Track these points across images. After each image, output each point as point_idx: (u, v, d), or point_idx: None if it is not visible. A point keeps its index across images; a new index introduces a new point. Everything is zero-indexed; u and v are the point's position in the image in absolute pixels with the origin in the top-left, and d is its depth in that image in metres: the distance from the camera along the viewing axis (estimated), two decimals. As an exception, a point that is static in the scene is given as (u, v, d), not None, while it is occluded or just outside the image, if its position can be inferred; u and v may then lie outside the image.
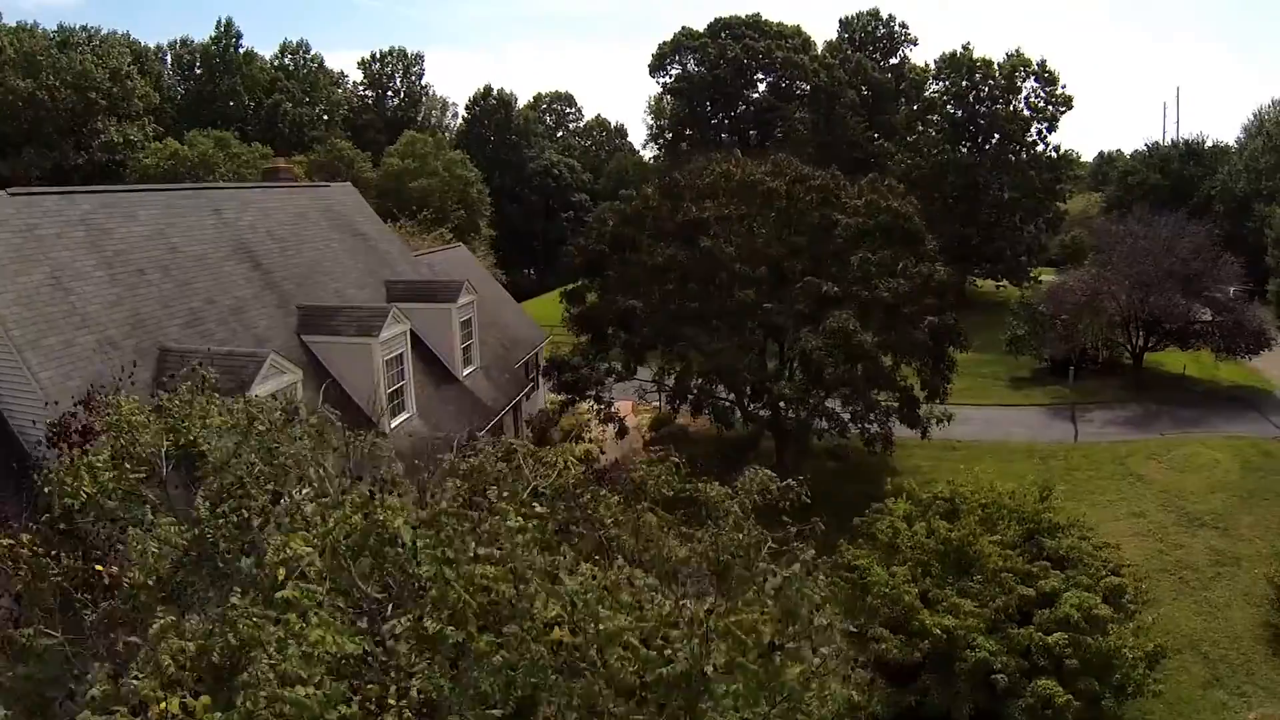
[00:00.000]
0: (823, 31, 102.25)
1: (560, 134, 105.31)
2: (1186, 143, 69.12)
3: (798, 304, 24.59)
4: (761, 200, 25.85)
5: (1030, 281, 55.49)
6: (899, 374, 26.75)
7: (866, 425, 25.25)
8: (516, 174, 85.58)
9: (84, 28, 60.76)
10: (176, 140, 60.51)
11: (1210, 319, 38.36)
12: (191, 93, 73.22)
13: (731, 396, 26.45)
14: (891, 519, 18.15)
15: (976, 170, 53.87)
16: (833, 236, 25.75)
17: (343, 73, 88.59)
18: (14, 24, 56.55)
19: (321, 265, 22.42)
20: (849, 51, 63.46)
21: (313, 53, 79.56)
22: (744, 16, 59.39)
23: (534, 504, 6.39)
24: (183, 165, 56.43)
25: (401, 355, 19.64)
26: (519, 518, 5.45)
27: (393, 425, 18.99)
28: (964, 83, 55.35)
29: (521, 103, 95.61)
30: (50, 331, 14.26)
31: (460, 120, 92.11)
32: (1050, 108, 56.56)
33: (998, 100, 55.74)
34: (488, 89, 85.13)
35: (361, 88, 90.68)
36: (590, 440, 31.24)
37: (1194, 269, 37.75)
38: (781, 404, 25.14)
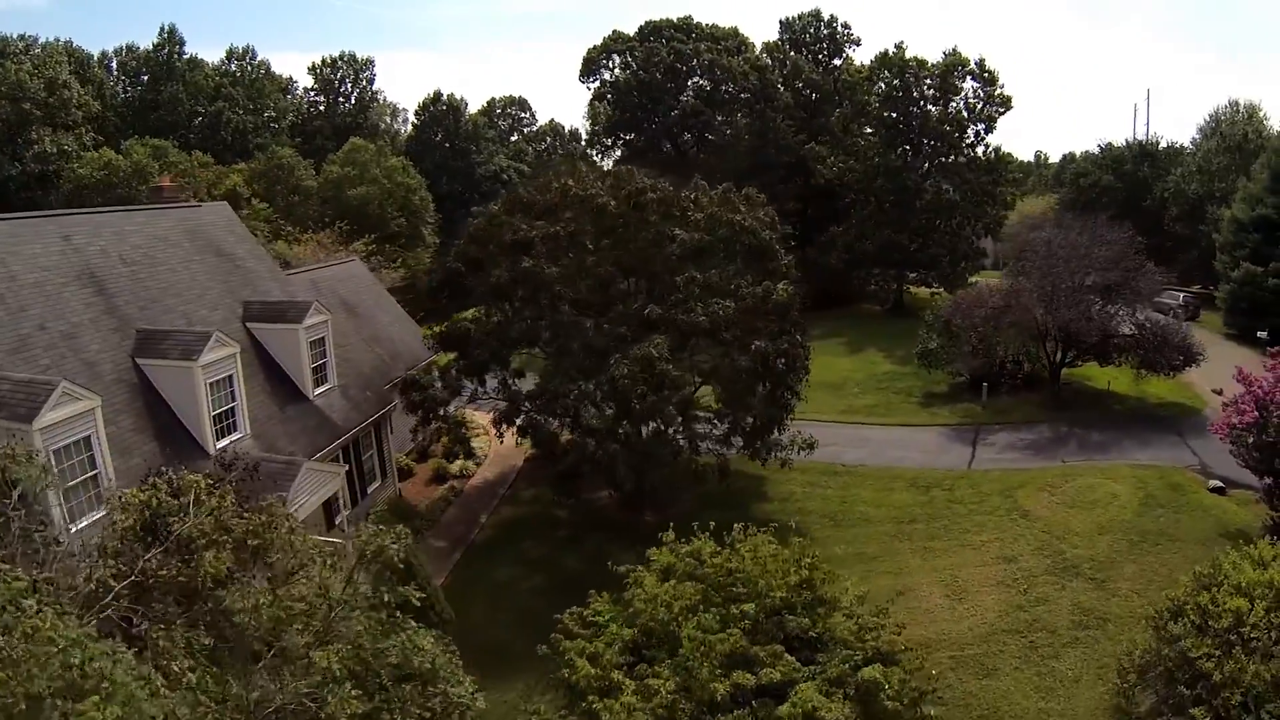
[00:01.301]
0: (770, 34, 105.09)
1: (515, 138, 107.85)
2: (1140, 143, 69.78)
3: (619, 327, 24.78)
4: (594, 216, 25.98)
5: (967, 288, 57.04)
6: (748, 400, 26.42)
7: (694, 455, 25.63)
8: (466, 179, 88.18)
9: (21, 37, 63.35)
10: (114, 149, 63.14)
11: (1131, 333, 36.66)
12: (134, 100, 75.67)
13: (555, 423, 26.29)
14: (638, 582, 15.77)
15: (907, 174, 55.28)
16: (668, 254, 25.80)
17: (291, 78, 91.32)
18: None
19: (174, 288, 24.78)
20: (788, 53, 65.70)
21: (259, 58, 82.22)
22: (675, 19, 61.58)
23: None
24: (116, 175, 58.84)
25: (231, 377, 21.99)
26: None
27: (219, 445, 21.44)
28: (896, 83, 56.28)
29: (475, 108, 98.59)
30: (-128, 358, 16.76)
31: (410, 126, 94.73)
32: (988, 108, 57.43)
33: (934, 101, 56.77)
34: (437, 94, 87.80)
35: (312, 93, 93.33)
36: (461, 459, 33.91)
37: (1111, 279, 36.25)
38: (589, 436, 24.85)
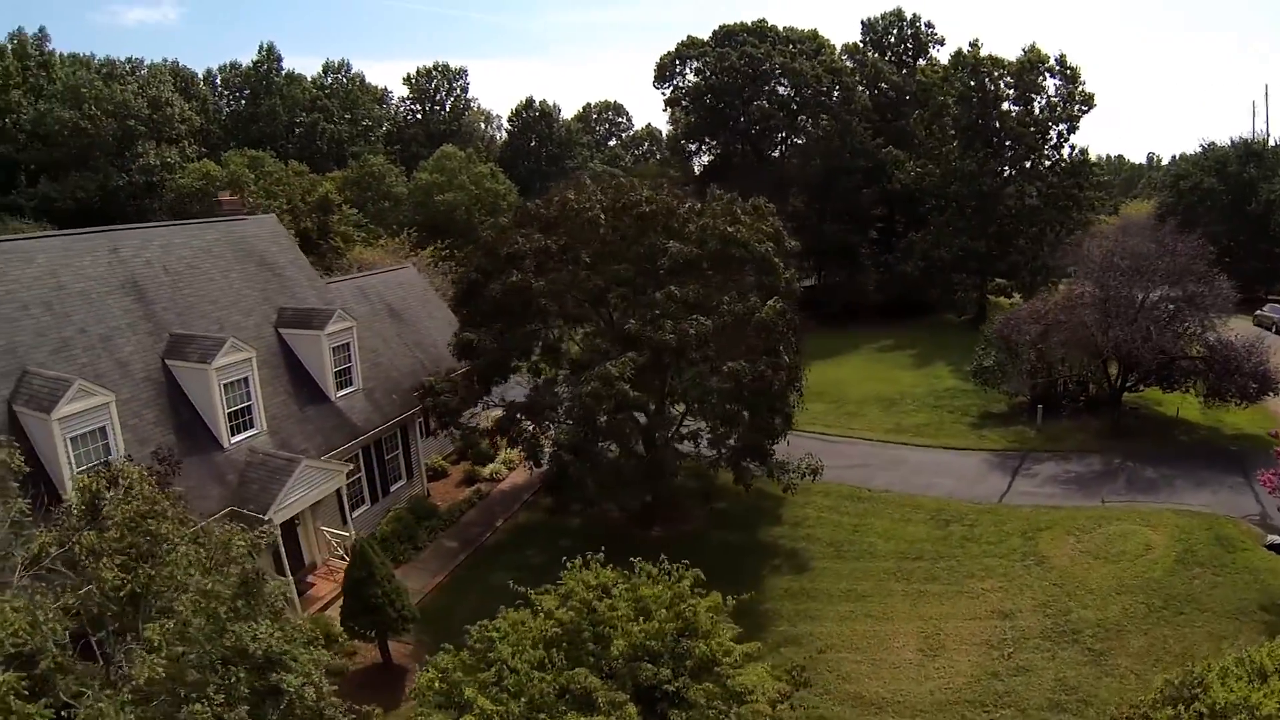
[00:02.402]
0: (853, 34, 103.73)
1: (612, 143, 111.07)
2: (1246, 142, 65.90)
3: (601, 342, 25.43)
4: (586, 230, 26.76)
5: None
6: (732, 421, 26.42)
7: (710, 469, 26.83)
8: (559, 182, 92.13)
9: (129, 60, 70.79)
10: (214, 161, 69.35)
11: (1200, 354, 34.18)
12: (236, 114, 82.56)
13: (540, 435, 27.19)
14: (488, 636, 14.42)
15: (983, 178, 54.41)
16: (657, 268, 26.12)
17: (386, 89, 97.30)
18: (68, 54, 66.74)
19: (211, 295, 28.05)
20: (869, 54, 65.74)
21: (354, 71, 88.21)
22: (749, 23, 62.56)
23: None
24: (213, 184, 64.54)
25: (247, 379, 24.89)
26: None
27: (233, 441, 24.39)
28: (971, 83, 55.40)
29: (572, 113, 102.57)
30: (-70, 356, 20.27)
31: (503, 133, 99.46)
32: (1070, 107, 55.70)
33: (1014, 101, 55.50)
34: (529, 100, 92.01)
35: (408, 102, 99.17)
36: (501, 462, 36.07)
37: (1177, 293, 33.93)
38: (562, 450, 25.11)
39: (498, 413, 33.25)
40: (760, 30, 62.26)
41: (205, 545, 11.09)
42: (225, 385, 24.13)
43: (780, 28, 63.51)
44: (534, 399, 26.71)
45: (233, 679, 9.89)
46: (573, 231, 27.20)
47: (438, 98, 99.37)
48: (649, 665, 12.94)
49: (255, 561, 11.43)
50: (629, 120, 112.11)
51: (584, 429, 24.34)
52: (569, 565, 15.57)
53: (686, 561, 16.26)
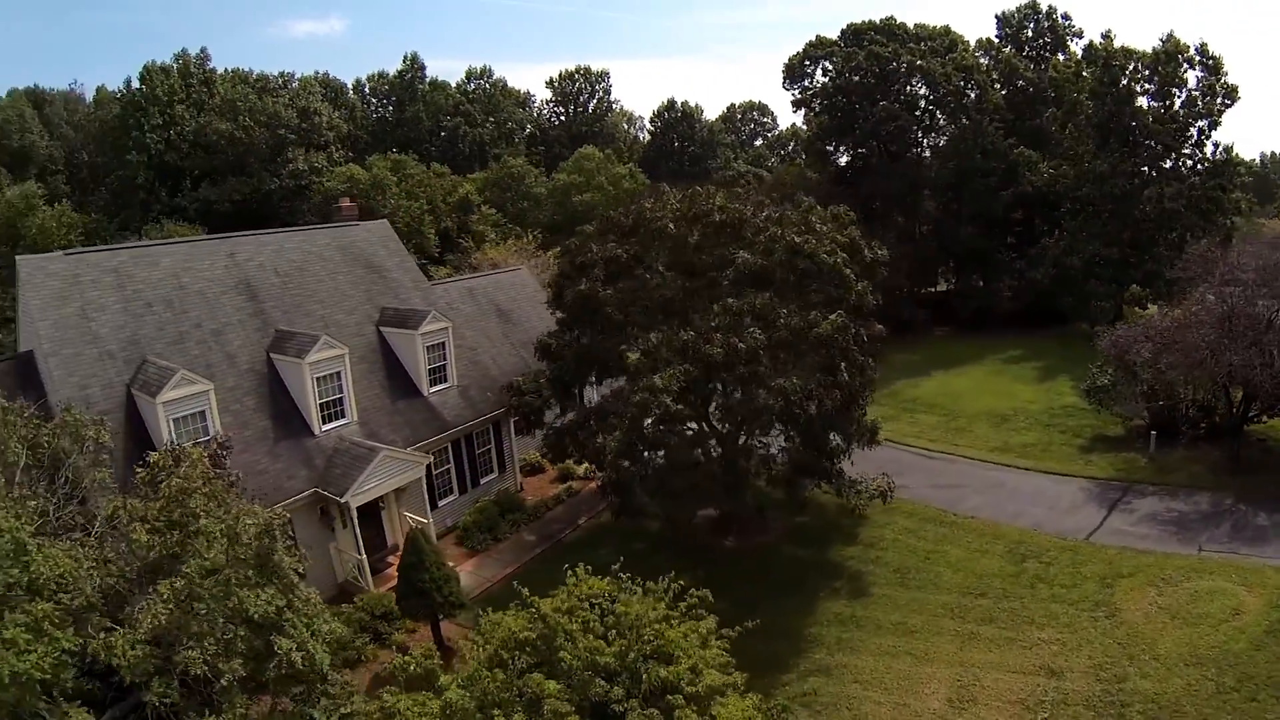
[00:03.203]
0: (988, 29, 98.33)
1: (759, 143, 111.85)
2: None
3: (664, 351, 25.07)
4: (657, 239, 27.39)
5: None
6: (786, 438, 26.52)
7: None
8: (702, 183, 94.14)
9: (281, 74, 77.52)
10: (360, 165, 75.19)
11: None
12: (382, 120, 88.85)
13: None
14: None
15: (1116, 179, 51.58)
16: (722, 278, 26.18)
17: (529, 93, 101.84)
18: (230, 70, 74.09)
19: (318, 295, 31.15)
20: (1004, 50, 63.65)
21: (496, 76, 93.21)
22: (878, 21, 61.80)
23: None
24: (356, 187, 70.01)
25: (339, 373, 27.60)
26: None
27: (324, 429, 27.16)
28: (1104, 78, 52.53)
29: (716, 114, 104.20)
30: (68, 345, 23.92)
31: (645, 134, 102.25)
32: (1212, 101, 51.94)
33: (1150, 96, 52.36)
34: (670, 101, 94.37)
35: (552, 104, 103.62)
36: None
37: None
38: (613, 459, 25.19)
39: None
40: (889, 28, 61.49)
41: (228, 523, 13.08)
42: (318, 379, 26.87)
43: (910, 25, 62.59)
44: (601, 405, 27.98)
45: (231, 635, 11.82)
46: (644, 240, 28.00)
47: (580, 100, 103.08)
48: (602, 682, 13.12)
49: (272, 540, 13.33)
50: (774, 120, 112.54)
51: (633, 439, 24.73)
52: (571, 571, 15.92)
53: (683, 581, 16.57)
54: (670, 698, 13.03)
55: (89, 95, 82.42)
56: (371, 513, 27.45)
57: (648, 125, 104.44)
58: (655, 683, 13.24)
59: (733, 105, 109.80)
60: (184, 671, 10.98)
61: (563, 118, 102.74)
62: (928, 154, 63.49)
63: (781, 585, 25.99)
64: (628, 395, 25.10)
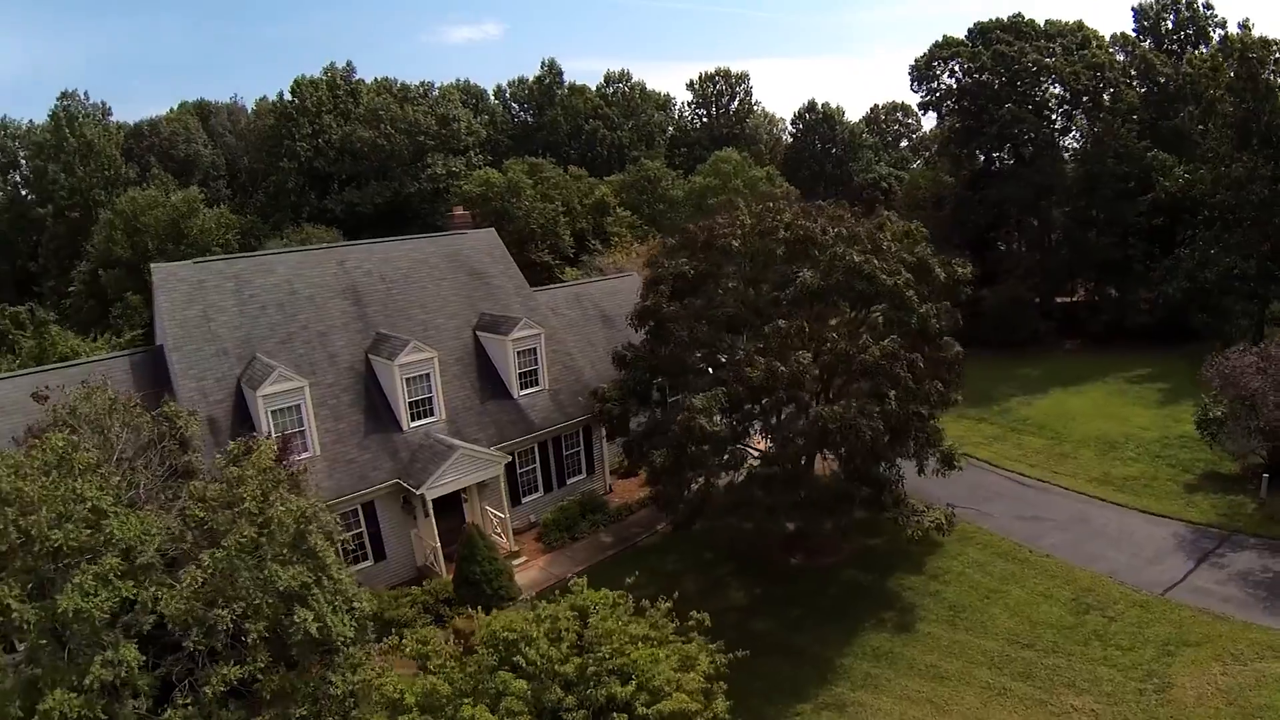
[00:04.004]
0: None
1: (903, 145, 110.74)
2: None
3: (721, 371, 26.55)
4: (723, 256, 28.34)
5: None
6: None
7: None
8: (844, 188, 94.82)
9: (422, 83, 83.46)
10: (496, 169, 79.90)
11: None
12: (524, 124, 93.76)
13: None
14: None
15: (1251, 185, 48.25)
16: (783, 297, 26.65)
17: (669, 95, 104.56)
18: (377, 79, 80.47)
19: (420, 301, 34.36)
20: (1140, 45, 60.69)
21: (634, 80, 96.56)
22: (1005, 19, 60.14)
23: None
24: (491, 190, 74.49)
25: (428, 375, 30.54)
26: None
27: (412, 425, 30.19)
28: (1242, 72, 48.57)
29: (858, 114, 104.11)
30: (190, 342, 27.92)
31: (788, 136, 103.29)
32: None
33: None
34: (811, 103, 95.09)
35: (692, 106, 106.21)
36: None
37: None
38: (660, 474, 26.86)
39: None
40: (1016, 26, 59.92)
41: (266, 509, 15.79)
42: (407, 379, 29.90)
43: (1040, 22, 60.82)
44: (658, 420, 29.48)
45: (259, 601, 14.43)
46: (713, 257, 29.06)
47: (721, 102, 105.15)
48: (558, 689, 14.18)
49: (306, 526, 15.94)
50: (918, 121, 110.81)
51: (676, 456, 25.94)
52: (574, 581, 17.58)
53: (673, 603, 17.50)
54: (615, 716, 13.80)
55: (250, 105, 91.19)
56: (454, 504, 30.32)
57: (789, 127, 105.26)
58: (602, 699, 14.00)
59: (876, 106, 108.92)
60: (212, 627, 13.69)
61: (704, 120, 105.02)
62: (1060, 158, 61.47)
63: (831, 609, 26.72)
64: (673, 413, 26.86)
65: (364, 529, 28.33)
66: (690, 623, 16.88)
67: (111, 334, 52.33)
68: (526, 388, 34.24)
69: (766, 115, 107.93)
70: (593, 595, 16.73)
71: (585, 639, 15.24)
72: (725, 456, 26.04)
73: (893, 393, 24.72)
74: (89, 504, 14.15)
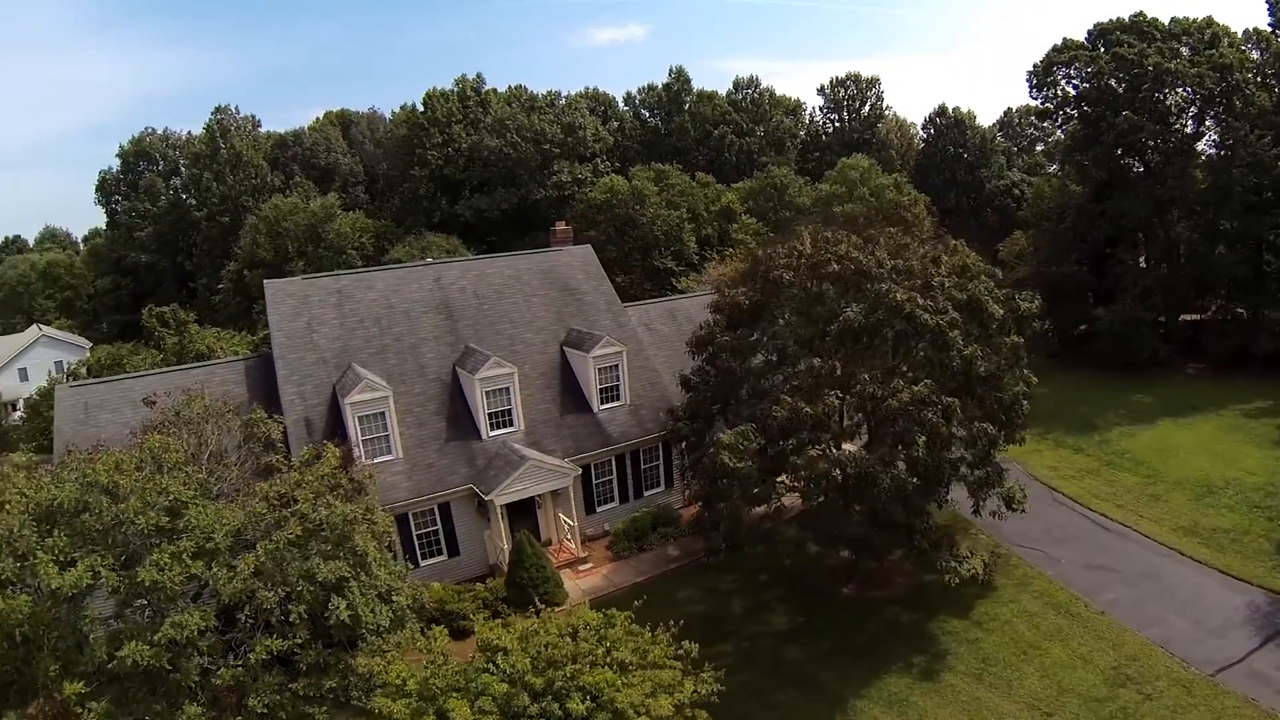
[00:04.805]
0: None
1: (1040, 149, 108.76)
2: None
3: (754, 407, 27.43)
4: (774, 287, 29.24)
5: None
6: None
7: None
8: (975, 194, 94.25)
9: (548, 92, 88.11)
10: (624, 176, 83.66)
11: None
12: (652, 131, 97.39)
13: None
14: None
15: None
16: (825, 333, 27.35)
17: (799, 100, 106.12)
18: (512, 86, 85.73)
19: (509, 316, 37.79)
20: (1276, 40, 57.09)
21: (763, 86, 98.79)
22: (1126, 18, 57.75)
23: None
24: (616, 197, 78.23)
25: (508, 389, 33.82)
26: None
27: (491, 434, 33.57)
28: None
29: (994, 117, 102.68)
30: (294, 351, 32.25)
31: (919, 140, 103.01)
32: None
33: None
34: (942, 108, 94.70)
35: (824, 111, 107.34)
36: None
37: None
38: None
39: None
40: (1137, 25, 57.63)
41: (313, 512, 19.21)
42: (488, 392, 33.30)
43: (1165, 21, 58.39)
44: (702, 450, 30.76)
45: (300, 589, 17.81)
46: (767, 289, 30.04)
47: (852, 106, 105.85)
48: (526, 697, 16.18)
49: (351, 528, 19.29)
50: (1052, 126, 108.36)
51: (709, 487, 27.89)
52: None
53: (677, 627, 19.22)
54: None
55: (389, 113, 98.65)
56: (529, 508, 33.60)
57: (920, 132, 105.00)
58: (559, 713, 15.91)
59: (1009, 109, 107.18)
60: (260, 605, 17.18)
61: (836, 125, 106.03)
62: (1188, 168, 58.99)
63: (864, 646, 27.15)
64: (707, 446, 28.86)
65: (439, 527, 31.84)
66: (682, 650, 18.53)
67: (248, 330, 58.93)
68: (607, 402, 36.97)
69: (897, 120, 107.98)
70: (590, 615, 18.72)
71: (555, 656, 16.98)
72: (755, 491, 27.01)
73: (922, 439, 24.66)
74: (171, 496, 17.89)
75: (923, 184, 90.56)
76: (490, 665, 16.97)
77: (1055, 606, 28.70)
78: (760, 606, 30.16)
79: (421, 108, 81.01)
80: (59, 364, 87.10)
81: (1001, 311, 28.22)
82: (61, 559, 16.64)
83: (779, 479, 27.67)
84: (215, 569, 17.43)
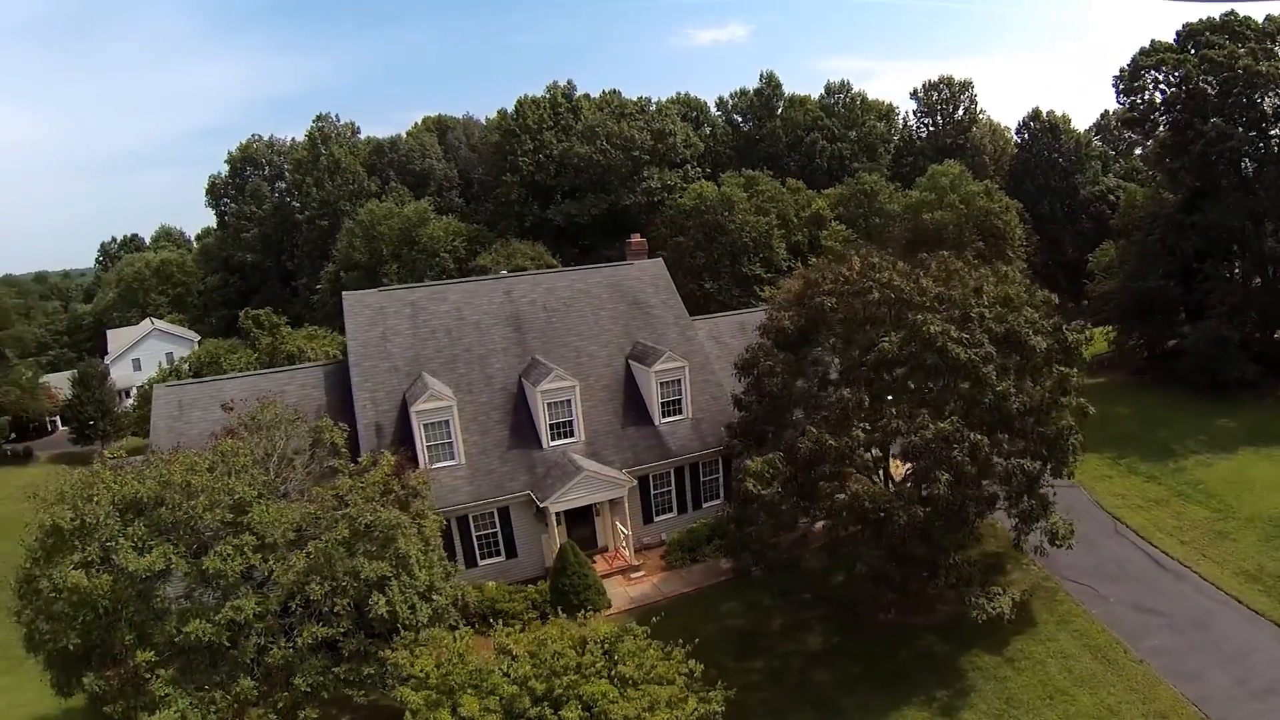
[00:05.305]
0: None
1: (1138, 152, 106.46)
2: None
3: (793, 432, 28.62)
4: (817, 313, 29.92)
5: None
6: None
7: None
8: (1069, 200, 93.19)
9: (637, 100, 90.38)
10: (715, 182, 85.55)
11: None
12: (744, 136, 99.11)
13: None
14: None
15: None
16: (858, 363, 28.17)
17: (892, 105, 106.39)
18: (606, 91, 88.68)
19: (577, 329, 40.01)
20: None
21: (854, 90, 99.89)
22: (1216, 18, 55.77)
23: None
24: (705, 204, 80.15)
25: (569, 401, 35.96)
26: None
27: (551, 444, 35.83)
28: None
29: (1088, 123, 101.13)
30: (368, 359, 35.19)
31: (1013, 145, 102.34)
32: None
33: None
34: (1035, 111, 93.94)
35: (917, 116, 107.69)
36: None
37: None
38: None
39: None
40: (1229, 26, 55.46)
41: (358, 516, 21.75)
42: (550, 404, 35.56)
43: (1255, 20, 55.90)
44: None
45: (345, 584, 20.36)
46: (809, 315, 30.68)
47: (945, 111, 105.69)
48: (527, 700, 18.16)
49: (393, 533, 21.78)
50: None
51: (738, 511, 29.69)
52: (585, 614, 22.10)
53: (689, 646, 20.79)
54: None
55: (484, 118, 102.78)
56: (588, 515, 35.83)
57: (1014, 136, 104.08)
58: (553, 718, 17.82)
59: (1107, 112, 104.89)
60: (308, 596, 19.79)
61: (930, 129, 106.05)
62: (1269, 179, 56.64)
63: (891, 675, 27.47)
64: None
65: (498, 529, 34.18)
66: (689, 668, 19.94)
67: (340, 330, 62.90)
68: (669, 415, 38.66)
69: (990, 124, 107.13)
70: (601, 629, 20.45)
71: (558, 666, 18.70)
72: (782, 518, 28.20)
73: (945, 477, 24.96)
74: (236, 495, 20.68)
75: (1016, 190, 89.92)
76: (502, 666, 19.08)
77: (1093, 649, 28.11)
78: (798, 625, 30.91)
79: (514, 114, 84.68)
80: (169, 356, 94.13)
81: (1045, 344, 28.00)
82: (139, 545, 19.46)
83: (807, 506, 28.55)
84: (272, 562, 20.08)
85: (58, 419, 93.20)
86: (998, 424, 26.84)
